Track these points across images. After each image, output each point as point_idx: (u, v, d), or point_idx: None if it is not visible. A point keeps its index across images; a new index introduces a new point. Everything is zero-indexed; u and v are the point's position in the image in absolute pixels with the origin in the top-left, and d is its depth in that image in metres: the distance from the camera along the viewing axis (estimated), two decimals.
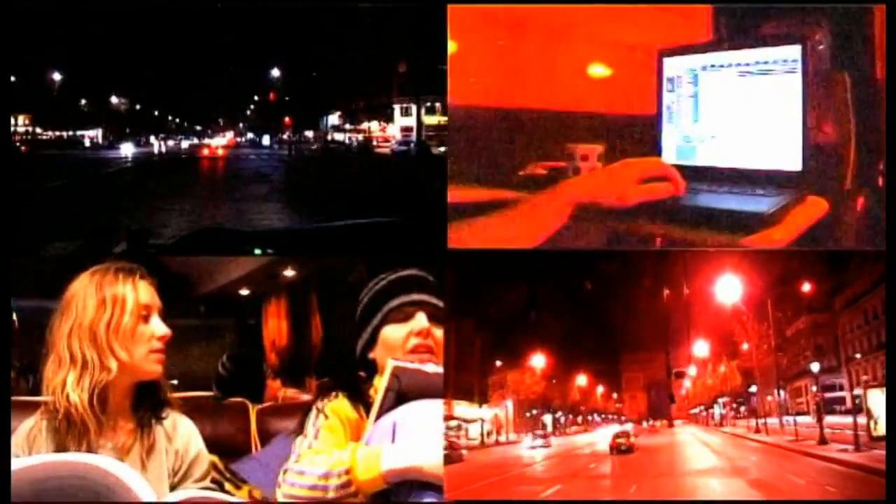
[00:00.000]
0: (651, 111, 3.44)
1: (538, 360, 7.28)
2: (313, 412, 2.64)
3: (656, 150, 3.32)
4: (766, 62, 3.14)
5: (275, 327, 6.75)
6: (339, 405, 2.64)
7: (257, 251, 6.68)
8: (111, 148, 30.92)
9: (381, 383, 2.52)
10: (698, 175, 3.11)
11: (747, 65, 3.20)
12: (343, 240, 7.57)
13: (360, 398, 2.65)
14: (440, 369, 2.64)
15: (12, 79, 21.19)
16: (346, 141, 30.35)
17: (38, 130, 27.98)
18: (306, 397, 4.47)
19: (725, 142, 3.23)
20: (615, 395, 8.27)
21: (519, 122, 3.58)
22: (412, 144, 24.91)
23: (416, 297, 2.73)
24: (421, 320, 2.66)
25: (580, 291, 6.66)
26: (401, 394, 2.50)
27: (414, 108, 26.83)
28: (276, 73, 33.34)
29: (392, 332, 2.70)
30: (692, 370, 7.71)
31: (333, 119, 31.79)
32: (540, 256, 2.89)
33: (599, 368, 7.95)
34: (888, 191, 2.90)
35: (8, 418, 2.55)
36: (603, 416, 7.99)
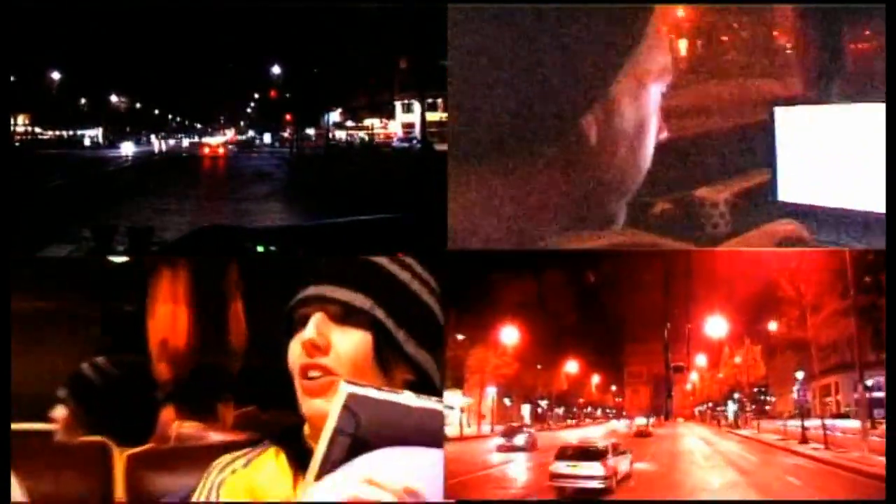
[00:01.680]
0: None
1: (508, 335, 5.77)
2: (208, 481, 1.80)
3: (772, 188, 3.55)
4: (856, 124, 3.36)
5: (166, 319, 4.40)
6: (259, 472, 1.81)
7: (259, 248, 6.54)
8: (111, 147, 30.83)
9: (326, 422, 1.64)
10: (807, 216, 3.28)
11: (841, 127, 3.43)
12: (345, 236, 7.40)
13: (298, 452, 1.80)
14: (427, 402, 1.69)
15: (12, 78, 21.06)
16: (348, 138, 30.24)
17: (38, 130, 27.88)
18: (216, 437, 3.20)
19: (829, 184, 3.44)
20: (613, 388, 7.61)
21: None
22: (414, 141, 24.78)
23: (314, 290, 1.89)
24: (309, 328, 1.81)
25: (583, 282, 6.36)
26: (359, 440, 1.63)
27: (415, 104, 26.70)
28: (276, 70, 33.19)
29: (291, 349, 1.86)
30: (700, 359, 7.07)
31: (335, 116, 31.67)
32: (545, 257, 3.08)
33: (596, 355, 7.28)
34: (888, 191, 2.98)
35: (8, 418, 2.32)
36: (599, 410, 7.39)
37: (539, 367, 6.72)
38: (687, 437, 6.25)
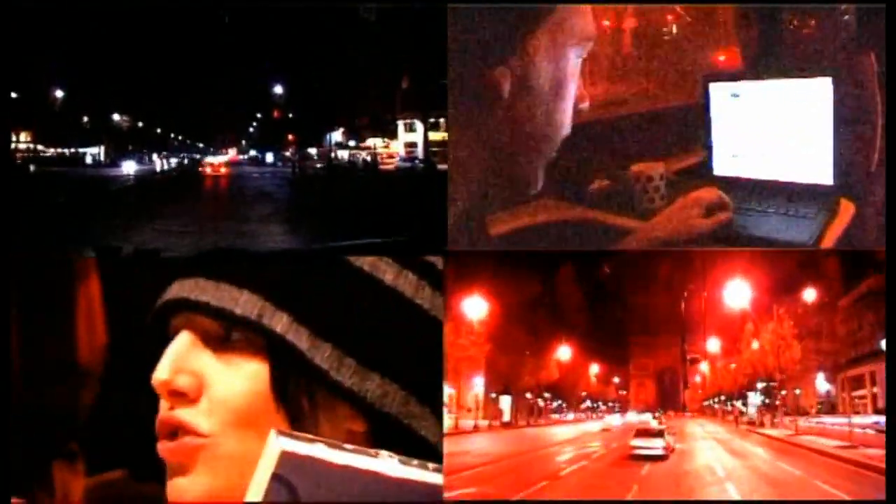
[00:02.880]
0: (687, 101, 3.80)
1: (474, 309, 4.82)
2: None
3: (707, 163, 3.67)
4: (797, 94, 3.43)
5: None
6: None
7: None
8: (113, 165, 30.76)
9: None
10: (742, 188, 3.42)
11: (780, 95, 3.48)
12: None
13: None
14: (415, 471, 1.10)
15: (14, 95, 21.05)
16: (350, 158, 30.23)
17: (40, 147, 27.82)
18: None
19: (764, 157, 3.53)
20: (616, 380, 6.84)
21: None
22: (417, 161, 24.76)
23: (178, 290, 1.24)
24: (163, 363, 1.21)
25: (598, 275, 6.13)
26: None
27: (417, 123, 26.69)
28: (279, 90, 33.19)
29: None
30: (713, 344, 6.38)
31: (337, 136, 31.65)
32: (544, 255, 3.29)
33: (595, 342, 6.30)
34: (888, 191, 3.12)
35: (8, 418, 2.21)
36: (599, 404, 6.54)
37: (527, 353, 6.04)
38: (701, 444, 5.50)
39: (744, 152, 3.60)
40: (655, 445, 4.75)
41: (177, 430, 1.24)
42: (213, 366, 1.24)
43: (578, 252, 3.06)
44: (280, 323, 1.22)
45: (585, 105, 2.31)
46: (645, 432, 5.10)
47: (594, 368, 6.93)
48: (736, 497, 4.65)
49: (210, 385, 1.23)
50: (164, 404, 1.27)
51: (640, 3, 3.86)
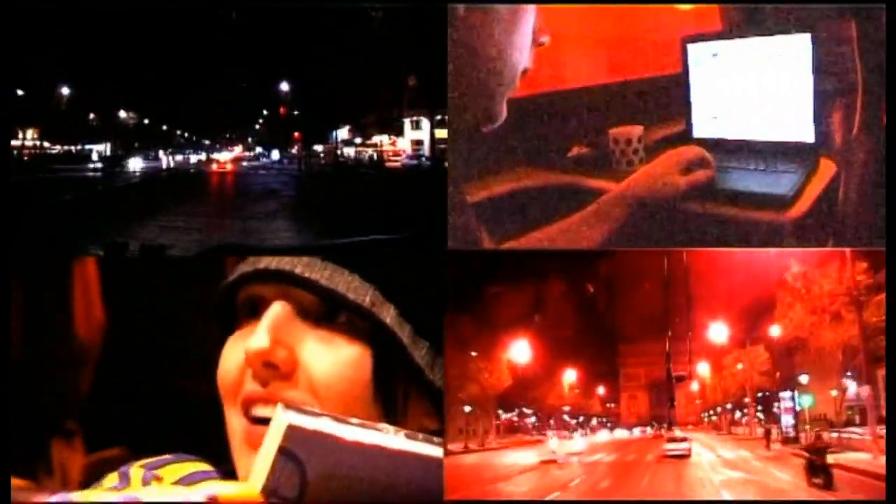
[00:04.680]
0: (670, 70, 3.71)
1: None
2: None
3: (687, 126, 3.57)
4: (776, 53, 3.37)
5: None
6: None
7: None
8: (119, 162, 30.78)
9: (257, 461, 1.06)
10: (723, 148, 3.42)
11: (759, 57, 3.44)
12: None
13: None
14: (417, 444, 1.09)
15: (20, 92, 21.06)
16: (356, 155, 30.26)
17: (46, 144, 27.86)
18: None
19: (746, 117, 3.48)
20: (601, 391, 5.64)
21: (549, 103, 3.70)
22: (423, 158, 24.73)
23: (270, 261, 1.21)
24: (260, 330, 1.16)
25: (583, 292, 5.88)
26: (304, 490, 1.05)
27: (424, 120, 26.67)
28: (285, 87, 33.20)
29: (226, 357, 1.23)
30: (721, 331, 5.22)
31: (343, 133, 31.66)
32: (542, 256, 3.34)
33: (571, 347, 5.29)
34: (888, 191, 3.11)
35: (8, 418, 2.16)
36: (579, 418, 5.38)
37: (474, 353, 5.12)
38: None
39: (724, 113, 3.59)
40: (682, 447, 5.63)
41: (266, 408, 1.16)
42: (311, 343, 1.18)
43: (571, 252, 2.96)
44: (389, 315, 1.19)
45: (546, 38, 2.29)
46: (672, 440, 6.02)
47: (570, 376, 5.40)
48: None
49: (307, 364, 1.17)
50: (250, 378, 1.17)
51: (638, 3, 3.84)
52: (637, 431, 6.65)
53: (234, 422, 1.19)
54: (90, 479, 1.33)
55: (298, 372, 1.16)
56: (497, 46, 2.20)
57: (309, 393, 1.16)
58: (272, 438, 1.05)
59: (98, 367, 2.46)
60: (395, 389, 1.18)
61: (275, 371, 1.16)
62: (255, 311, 1.18)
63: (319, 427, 1.05)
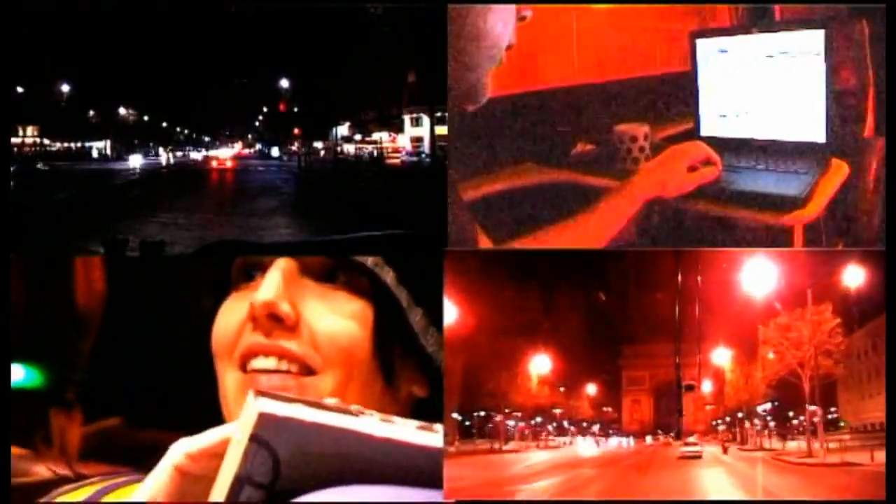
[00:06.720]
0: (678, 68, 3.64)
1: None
2: None
3: (695, 124, 3.51)
4: (788, 50, 3.32)
5: None
6: None
7: None
8: (119, 159, 30.83)
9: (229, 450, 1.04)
10: (732, 148, 3.34)
11: (770, 54, 3.38)
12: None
13: None
14: (411, 431, 1.07)
15: (20, 90, 21.07)
16: (356, 152, 30.27)
17: (47, 141, 27.88)
18: (44, 472, 1.89)
19: (755, 116, 3.41)
20: (593, 391, 5.67)
21: (553, 99, 3.60)
22: (423, 155, 24.75)
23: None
24: (267, 282, 1.18)
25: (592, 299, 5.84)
26: (278, 496, 1.03)
27: (423, 117, 26.68)
28: (285, 83, 33.20)
29: (227, 311, 1.24)
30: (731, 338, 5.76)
31: (343, 130, 31.66)
32: (542, 256, 3.19)
33: (555, 338, 5.40)
34: (888, 191, 3.05)
35: (8, 418, 2.14)
36: (575, 424, 5.20)
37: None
38: None
39: (732, 111, 3.56)
40: (696, 449, 5.49)
41: (268, 360, 1.19)
42: (314, 298, 1.21)
43: (578, 252, 2.87)
44: (389, 276, 1.24)
45: (528, 13, 2.27)
46: (687, 444, 5.72)
47: (543, 365, 4.99)
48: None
49: (310, 318, 1.19)
50: (253, 330, 1.19)
51: (638, 3, 3.82)
52: (649, 439, 5.44)
53: (229, 378, 1.20)
54: (88, 449, 1.38)
55: (301, 325, 1.19)
56: (483, 17, 2.19)
57: (311, 346, 1.19)
58: (244, 426, 1.04)
59: (98, 338, 2.35)
60: (393, 351, 1.22)
61: (279, 323, 1.18)
62: (251, 276, 1.23)
63: (291, 413, 1.03)
